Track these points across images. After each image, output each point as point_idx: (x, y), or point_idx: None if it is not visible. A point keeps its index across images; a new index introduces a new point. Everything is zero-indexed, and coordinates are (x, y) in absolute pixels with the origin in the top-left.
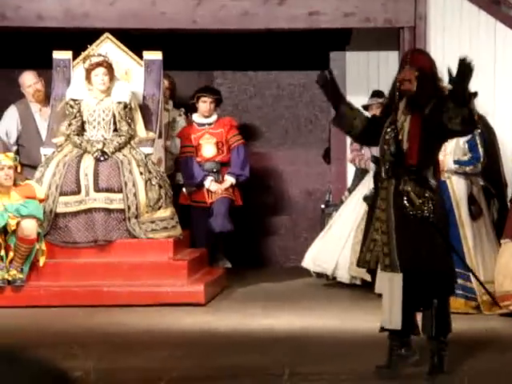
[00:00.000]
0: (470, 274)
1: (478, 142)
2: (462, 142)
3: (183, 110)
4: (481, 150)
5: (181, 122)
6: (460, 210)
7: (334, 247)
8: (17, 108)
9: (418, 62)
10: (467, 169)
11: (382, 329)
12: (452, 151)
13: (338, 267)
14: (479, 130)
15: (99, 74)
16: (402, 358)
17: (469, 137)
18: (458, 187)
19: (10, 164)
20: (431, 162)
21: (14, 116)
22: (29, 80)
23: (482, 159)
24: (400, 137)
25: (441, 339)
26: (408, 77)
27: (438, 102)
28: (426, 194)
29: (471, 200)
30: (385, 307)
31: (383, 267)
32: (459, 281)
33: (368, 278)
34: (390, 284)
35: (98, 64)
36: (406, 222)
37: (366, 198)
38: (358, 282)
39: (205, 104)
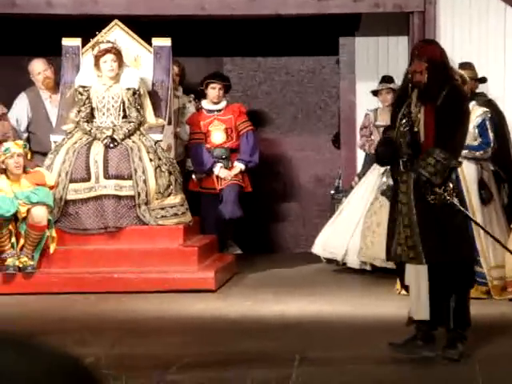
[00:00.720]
0: (480, 259)
1: (489, 126)
2: (472, 126)
3: (193, 96)
4: (491, 134)
5: (190, 108)
6: (470, 195)
7: (344, 233)
8: (27, 95)
9: (426, 53)
10: (477, 154)
11: (410, 320)
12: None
13: (347, 253)
14: (489, 115)
15: (108, 60)
16: (418, 348)
17: (479, 121)
18: (468, 172)
19: (20, 152)
20: (451, 147)
21: (24, 103)
22: (38, 67)
23: (492, 144)
24: (415, 128)
25: (458, 331)
26: (419, 69)
27: (450, 91)
28: (447, 183)
29: (481, 185)
30: (412, 298)
31: (408, 259)
32: None
33: (378, 263)
34: (416, 276)
35: (107, 50)
36: (428, 213)
37: (384, 192)
38: (368, 268)
39: (214, 90)
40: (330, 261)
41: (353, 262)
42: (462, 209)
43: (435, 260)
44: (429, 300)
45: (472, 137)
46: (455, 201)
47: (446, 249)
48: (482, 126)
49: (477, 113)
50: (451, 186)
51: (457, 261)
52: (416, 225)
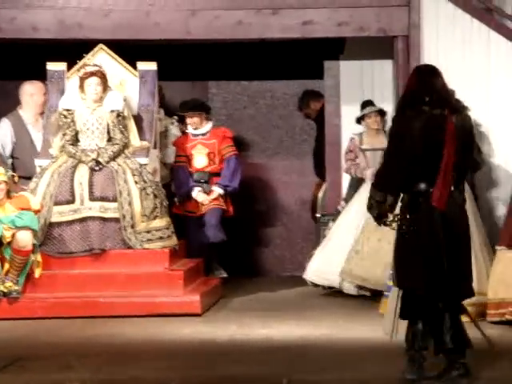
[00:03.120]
0: None
1: None
2: None
3: (176, 117)
4: None
5: (174, 130)
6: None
7: (337, 259)
8: (9, 120)
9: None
10: None
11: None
12: None
13: (344, 279)
14: None
15: (92, 83)
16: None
17: None
18: None
19: (3, 179)
20: (383, 184)
21: (7, 129)
22: (38, 89)
23: None
24: None
25: (456, 354)
26: None
27: (392, 122)
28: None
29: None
30: (385, 318)
31: (393, 282)
32: None
33: (366, 284)
34: (392, 297)
35: (92, 73)
36: (396, 239)
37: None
38: (367, 293)
39: (191, 119)
40: (316, 285)
41: (349, 288)
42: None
43: (402, 286)
44: (423, 322)
45: None
46: (394, 227)
47: (408, 277)
48: None
49: None
50: (390, 216)
51: (419, 289)
52: (394, 247)
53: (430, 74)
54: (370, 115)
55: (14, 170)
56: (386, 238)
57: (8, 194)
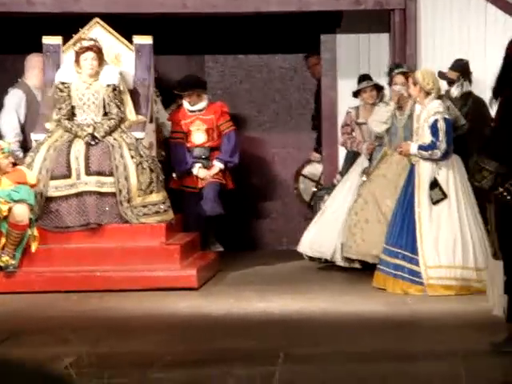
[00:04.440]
0: (418, 258)
1: (439, 127)
2: (426, 126)
3: (157, 91)
4: (441, 135)
5: (158, 104)
6: (419, 194)
7: (331, 231)
8: (20, 89)
9: (507, 49)
10: (427, 154)
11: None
12: (421, 135)
13: (336, 251)
14: (444, 115)
15: (88, 58)
16: None
17: (432, 121)
18: (422, 171)
19: (7, 151)
20: (498, 154)
21: (21, 97)
22: (36, 62)
23: (440, 145)
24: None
25: None
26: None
27: (508, 93)
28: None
29: (432, 185)
30: (489, 293)
31: (492, 255)
32: (407, 264)
33: (369, 259)
34: (494, 271)
35: (88, 48)
36: (503, 210)
37: (363, 170)
38: (358, 266)
39: (187, 99)
40: (312, 258)
41: (341, 261)
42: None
43: (505, 257)
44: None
45: (425, 136)
46: (508, 198)
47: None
48: (433, 127)
49: (431, 112)
50: (500, 188)
51: None
52: (493, 221)
53: None
54: (365, 89)
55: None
56: (375, 216)
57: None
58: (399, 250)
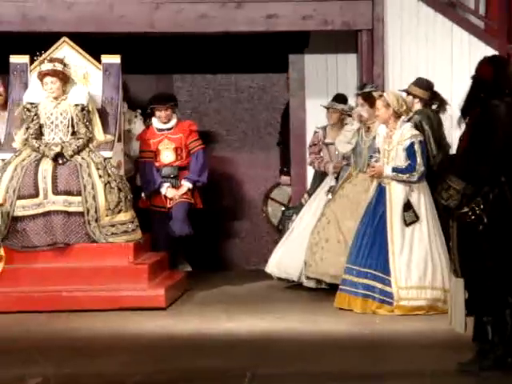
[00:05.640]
0: (391, 279)
1: (416, 149)
2: (401, 149)
3: (139, 111)
4: (418, 158)
5: (137, 124)
6: (392, 215)
7: (298, 252)
8: None
9: (476, 68)
10: (404, 176)
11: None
12: (394, 158)
13: (302, 272)
14: (420, 138)
15: (48, 82)
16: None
17: (407, 144)
18: (394, 193)
19: None
20: (469, 171)
21: None
22: None
23: (418, 168)
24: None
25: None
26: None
27: (480, 112)
28: (468, 201)
29: (406, 207)
30: (451, 311)
31: (451, 271)
32: (378, 285)
33: (327, 279)
34: (454, 288)
35: (46, 73)
36: (466, 228)
37: (328, 189)
38: (325, 286)
39: (160, 113)
40: (281, 278)
41: (308, 282)
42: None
43: (469, 275)
44: (488, 316)
45: (400, 159)
46: (477, 221)
47: (478, 266)
48: (410, 149)
49: (406, 135)
50: (474, 208)
51: (490, 277)
52: (455, 240)
53: (506, 65)
54: (329, 110)
55: None
56: (335, 236)
57: None
58: (369, 270)
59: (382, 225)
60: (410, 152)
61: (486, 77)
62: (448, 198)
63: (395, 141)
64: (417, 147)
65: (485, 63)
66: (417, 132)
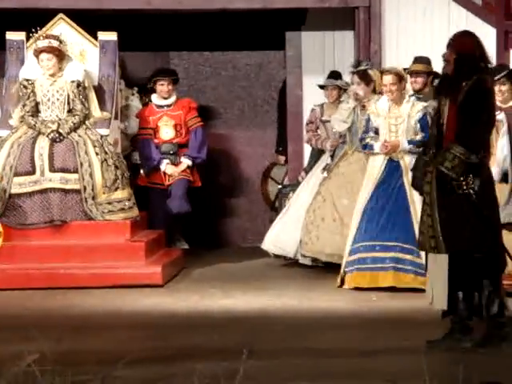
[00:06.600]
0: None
1: (430, 121)
2: (413, 121)
3: (136, 89)
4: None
5: (134, 101)
6: (411, 187)
7: (294, 229)
8: None
9: (457, 44)
10: (419, 149)
11: (444, 313)
12: (405, 131)
13: (298, 250)
14: (430, 110)
15: (44, 59)
16: (456, 341)
17: (420, 116)
18: (410, 164)
19: None
20: (470, 143)
21: None
22: None
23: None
24: (441, 121)
25: (497, 320)
26: (447, 58)
27: (472, 86)
28: (467, 172)
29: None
30: (429, 288)
31: (430, 249)
32: (408, 256)
33: (323, 258)
34: (436, 265)
35: (42, 50)
36: (449, 202)
37: (324, 167)
38: (320, 264)
39: (163, 87)
40: (277, 255)
41: (304, 259)
42: (476, 201)
43: (455, 249)
44: (461, 291)
45: (414, 132)
46: (471, 192)
47: (467, 238)
48: (423, 121)
49: (417, 108)
50: (469, 179)
51: (479, 250)
52: (437, 215)
53: (481, 41)
54: (327, 87)
55: None
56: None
57: None
58: (396, 243)
59: (401, 198)
60: (423, 123)
61: (471, 51)
62: (452, 167)
63: (405, 114)
64: (429, 118)
65: (466, 38)
66: (426, 103)
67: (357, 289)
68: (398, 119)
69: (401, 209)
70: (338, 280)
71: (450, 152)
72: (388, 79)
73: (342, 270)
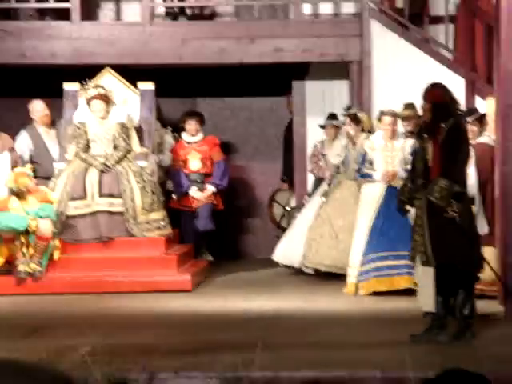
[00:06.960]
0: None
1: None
2: (406, 153)
3: (170, 128)
4: None
5: (168, 139)
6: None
7: (299, 243)
8: (27, 132)
9: (429, 96)
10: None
11: (426, 313)
12: (400, 162)
13: (303, 261)
14: (418, 144)
15: (95, 105)
16: (435, 335)
17: (412, 149)
18: None
19: (30, 176)
20: (453, 175)
21: (25, 138)
22: (39, 106)
23: None
24: (427, 156)
25: (468, 320)
26: (424, 108)
27: (450, 128)
28: (452, 199)
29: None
30: (420, 294)
31: (422, 262)
32: (402, 262)
33: (322, 268)
34: (425, 276)
35: (93, 97)
36: (437, 224)
37: (322, 194)
38: (323, 272)
39: (191, 126)
40: (286, 266)
41: (307, 269)
42: (460, 226)
43: (442, 261)
44: (441, 295)
45: (405, 162)
46: (455, 216)
47: (453, 254)
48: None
49: (408, 143)
50: (453, 205)
51: (462, 263)
52: (428, 234)
53: (449, 89)
54: (327, 127)
55: (34, 172)
56: (328, 232)
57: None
58: (407, 253)
59: (404, 218)
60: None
61: (443, 100)
62: (441, 197)
63: (398, 147)
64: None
65: (436, 89)
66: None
67: (375, 293)
68: (393, 152)
69: (406, 225)
70: (349, 288)
71: (438, 185)
72: (388, 119)
73: (353, 280)
